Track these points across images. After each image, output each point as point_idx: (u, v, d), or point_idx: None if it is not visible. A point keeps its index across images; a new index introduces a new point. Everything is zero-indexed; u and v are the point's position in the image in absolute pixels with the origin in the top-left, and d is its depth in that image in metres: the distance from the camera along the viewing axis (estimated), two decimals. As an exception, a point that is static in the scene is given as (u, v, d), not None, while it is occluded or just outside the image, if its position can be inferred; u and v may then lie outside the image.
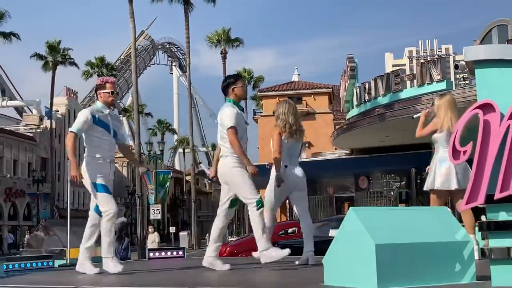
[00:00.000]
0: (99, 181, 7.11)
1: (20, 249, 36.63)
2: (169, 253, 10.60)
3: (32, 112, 69.18)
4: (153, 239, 25.77)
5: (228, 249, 19.33)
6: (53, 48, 56.43)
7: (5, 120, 66.34)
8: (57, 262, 9.27)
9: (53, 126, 61.48)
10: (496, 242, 4.23)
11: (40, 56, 56.71)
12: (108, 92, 7.27)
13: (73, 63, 58.72)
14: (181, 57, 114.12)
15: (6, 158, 58.43)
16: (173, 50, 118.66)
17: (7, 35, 52.33)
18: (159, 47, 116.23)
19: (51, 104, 57.15)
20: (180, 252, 10.60)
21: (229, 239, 28.87)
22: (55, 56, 56.30)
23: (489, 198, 4.21)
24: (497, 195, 4.18)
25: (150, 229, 27.89)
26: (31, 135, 63.40)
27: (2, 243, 52.77)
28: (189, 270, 7.29)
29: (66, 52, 57.58)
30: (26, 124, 65.74)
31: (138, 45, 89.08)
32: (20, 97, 74.04)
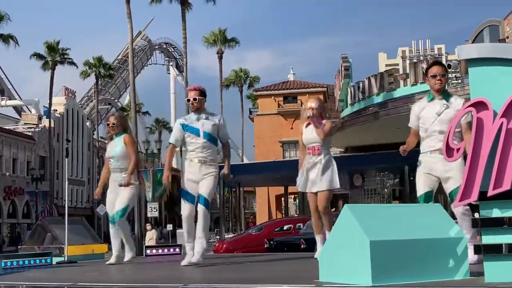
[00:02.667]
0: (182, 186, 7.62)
1: (19, 247, 36.64)
2: (166, 250, 10.72)
3: (30, 112, 69.17)
4: (150, 236, 25.86)
5: (224, 246, 19.50)
6: (52, 48, 56.39)
7: (4, 120, 66.34)
8: (55, 259, 9.38)
9: (52, 125, 61.46)
10: (490, 239, 4.25)
11: (39, 56, 56.70)
12: (188, 100, 7.63)
13: (72, 63, 58.71)
14: (178, 57, 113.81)
15: (5, 156, 58.46)
16: (170, 50, 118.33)
17: (6, 38, 52.28)
18: (156, 47, 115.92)
19: (50, 103, 57.15)
20: (177, 249, 10.71)
21: (225, 236, 28.99)
22: (54, 56, 56.28)
23: (483, 195, 4.24)
24: (491, 192, 4.21)
25: (148, 226, 27.96)
26: (30, 134, 63.40)
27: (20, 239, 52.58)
28: (185, 266, 7.36)
29: (65, 52, 57.56)
30: (25, 123, 65.74)
31: (136, 45, 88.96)
32: (19, 96, 74.03)
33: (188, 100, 7.59)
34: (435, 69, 6.30)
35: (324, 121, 7.64)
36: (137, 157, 8.57)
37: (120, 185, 8.34)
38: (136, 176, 8.47)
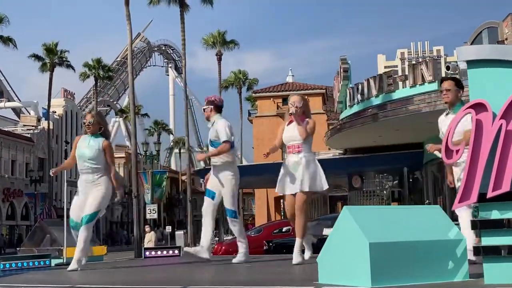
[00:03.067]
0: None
1: (17, 248, 36.60)
2: (165, 252, 10.71)
3: (29, 113, 69.16)
4: (149, 238, 25.86)
5: (223, 247, 19.48)
6: (50, 50, 56.38)
7: (3, 121, 66.31)
8: (54, 261, 9.37)
9: (51, 127, 61.38)
10: (489, 240, 4.26)
11: (38, 57, 56.68)
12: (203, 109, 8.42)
13: (70, 66, 58.69)
14: (177, 59, 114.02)
15: (4, 158, 58.45)
16: (169, 52, 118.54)
17: (5, 40, 52.28)
18: (155, 49, 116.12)
19: (49, 105, 57.10)
20: (176, 251, 10.70)
21: (224, 238, 28.98)
22: (52, 58, 56.28)
23: (482, 197, 4.24)
24: (490, 194, 4.21)
25: (147, 228, 27.94)
26: (28, 136, 63.40)
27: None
28: (184, 268, 7.36)
29: (63, 54, 57.54)
30: (24, 125, 65.73)
31: (135, 47, 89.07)
32: (18, 98, 74.05)
33: (204, 110, 8.38)
34: (442, 85, 6.73)
35: (307, 120, 7.39)
36: (115, 167, 8.06)
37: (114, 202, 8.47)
38: (109, 180, 7.85)
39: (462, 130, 6.51)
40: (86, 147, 7.89)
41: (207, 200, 8.10)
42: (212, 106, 8.17)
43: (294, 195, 7.17)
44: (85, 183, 7.82)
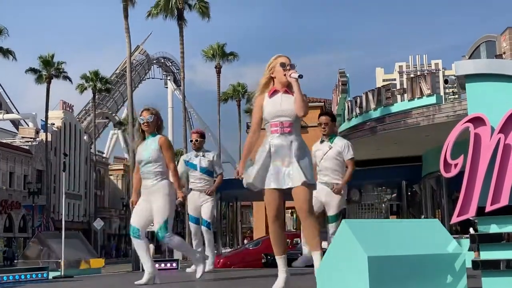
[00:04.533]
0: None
1: (15, 261, 36.47)
2: (162, 264, 10.68)
3: (28, 125, 69.28)
4: None
5: (221, 260, 19.40)
6: (46, 62, 56.48)
7: (1, 133, 66.46)
8: (52, 274, 9.35)
9: (49, 139, 61.48)
10: (488, 255, 4.27)
11: (34, 70, 56.76)
12: (191, 140, 9.46)
13: (67, 77, 58.77)
14: (175, 72, 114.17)
15: (2, 170, 58.45)
16: (168, 64, 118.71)
17: (4, 52, 52.39)
18: (154, 61, 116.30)
19: (46, 117, 57.17)
20: (174, 264, 10.69)
21: (223, 251, 28.91)
22: (49, 70, 56.36)
23: (481, 211, 4.25)
24: (488, 208, 4.21)
25: None
26: (27, 147, 63.45)
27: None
28: (182, 282, 7.34)
29: (60, 66, 57.63)
30: (22, 137, 65.82)
31: (134, 59, 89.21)
32: (17, 110, 74.20)
33: (191, 141, 9.42)
34: (320, 119, 7.97)
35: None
36: (175, 164, 7.33)
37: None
38: (170, 183, 7.18)
39: (333, 154, 7.79)
40: (144, 150, 7.17)
41: (192, 225, 9.53)
42: (203, 139, 9.52)
43: (279, 190, 5.35)
44: (144, 189, 7.14)
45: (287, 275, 5.40)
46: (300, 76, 5.32)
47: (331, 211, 7.68)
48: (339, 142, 7.91)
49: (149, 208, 7.00)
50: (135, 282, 6.90)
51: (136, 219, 7.06)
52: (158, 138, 7.12)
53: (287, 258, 5.34)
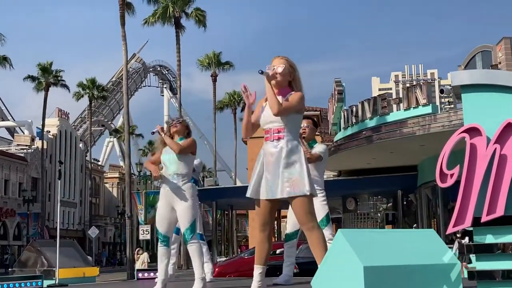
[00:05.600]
0: None
1: (9, 269, 36.29)
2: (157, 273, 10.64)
3: (23, 133, 69.24)
4: (142, 259, 25.75)
5: (216, 269, 19.34)
6: (45, 69, 56.49)
7: (-4, 140, 66.41)
8: (46, 282, 9.31)
9: (45, 146, 61.38)
10: (483, 265, 4.27)
11: (32, 78, 56.75)
12: None
13: (65, 85, 58.76)
14: (172, 80, 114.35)
15: (-3, 177, 58.43)
16: (164, 72, 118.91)
17: (1, 60, 52.34)
18: (150, 69, 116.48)
19: (43, 124, 57.11)
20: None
21: (218, 260, 28.85)
22: (47, 78, 56.37)
23: (476, 221, 4.26)
24: (484, 218, 4.22)
25: (140, 251, 27.74)
26: (22, 155, 63.36)
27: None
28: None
29: (58, 74, 57.64)
30: (18, 145, 65.76)
31: (130, 67, 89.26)
32: (13, 118, 74.12)
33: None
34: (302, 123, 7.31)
35: (292, 93, 5.29)
36: (187, 148, 6.98)
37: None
38: (193, 186, 7.11)
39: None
40: (170, 152, 7.02)
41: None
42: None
43: (269, 200, 5.17)
44: (166, 190, 6.93)
45: None
46: (260, 72, 5.06)
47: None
48: (318, 148, 7.56)
49: (172, 212, 6.89)
50: None
51: (164, 226, 6.95)
52: (183, 141, 7.00)
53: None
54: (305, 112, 5.83)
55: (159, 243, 6.99)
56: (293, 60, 5.34)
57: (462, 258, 11.00)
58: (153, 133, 7.17)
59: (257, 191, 5.17)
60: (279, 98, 5.13)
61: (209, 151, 68.84)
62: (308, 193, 5.02)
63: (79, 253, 12.04)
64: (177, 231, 8.36)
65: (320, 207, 7.23)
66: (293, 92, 5.23)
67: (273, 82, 5.13)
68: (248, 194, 5.21)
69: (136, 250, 28.17)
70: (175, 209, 6.84)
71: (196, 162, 8.75)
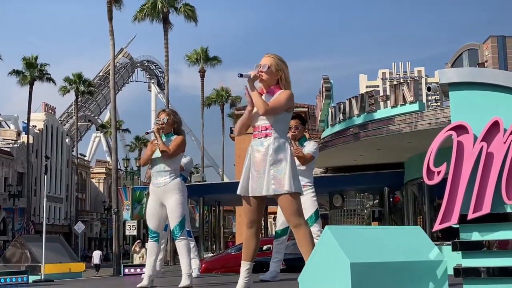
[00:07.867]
0: None
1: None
2: (144, 269, 10.62)
3: (9, 127, 68.87)
4: (141, 254, 25.56)
5: (203, 265, 19.36)
6: (30, 64, 56.19)
7: (-19, 135, 65.98)
8: (32, 278, 9.27)
9: (30, 141, 61.10)
10: (469, 262, 4.30)
11: (16, 72, 56.42)
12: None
13: (50, 79, 58.44)
14: (159, 75, 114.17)
15: (-18, 172, 58.09)
16: (152, 68, 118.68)
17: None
18: (138, 64, 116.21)
19: (28, 119, 56.84)
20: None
21: (204, 256, 28.84)
22: (32, 72, 56.06)
23: (463, 218, 4.28)
24: (470, 215, 4.25)
25: (140, 243, 27.27)
26: (8, 150, 63.04)
27: None
28: (163, 287, 7.31)
29: (43, 68, 57.32)
30: (3, 139, 65.43)
31: (117, 62, 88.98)
32: (-1, 112, 73.73)
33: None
34: (290, 123, 7.15)
35: (280, 91, 5.22)
36: (175, 152, 6.95)
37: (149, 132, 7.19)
38: (182, 182, 7.11)
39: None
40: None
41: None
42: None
43: (256, 197, 5.17)
44: (155, 187, 6.93)
45: (246, 286, 5.29)
46: (239, 75, 5.06)
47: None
48: (308, 145, 7.68)
49: (161, 208, 6.90)
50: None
51: (154, 222, 6.95)
52: (174, 138, 6.99)
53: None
54: (298, 109, 5.85)
55: (149, 238, 7.03)
56: (283, 57, 5.29)
57: None
58: (147, 133, 7.19)
59: (246, 188, 5.15)
60: (267, 96, 5.15)
61: (197, 147, 68.81)
62: (294, 191, 5.02)
63: (65, 249, 11.99)
64: (165, 227, 8.29)
65: (310, 203, 7.35)
66: (281, 90, 5.18)
67: (260, 81, 5.16)
68: (238, 191, 5.19)
69: (136, 242, 27.92)
70: (164, 205, 6.87)
71: (186, 160, 8.94)
